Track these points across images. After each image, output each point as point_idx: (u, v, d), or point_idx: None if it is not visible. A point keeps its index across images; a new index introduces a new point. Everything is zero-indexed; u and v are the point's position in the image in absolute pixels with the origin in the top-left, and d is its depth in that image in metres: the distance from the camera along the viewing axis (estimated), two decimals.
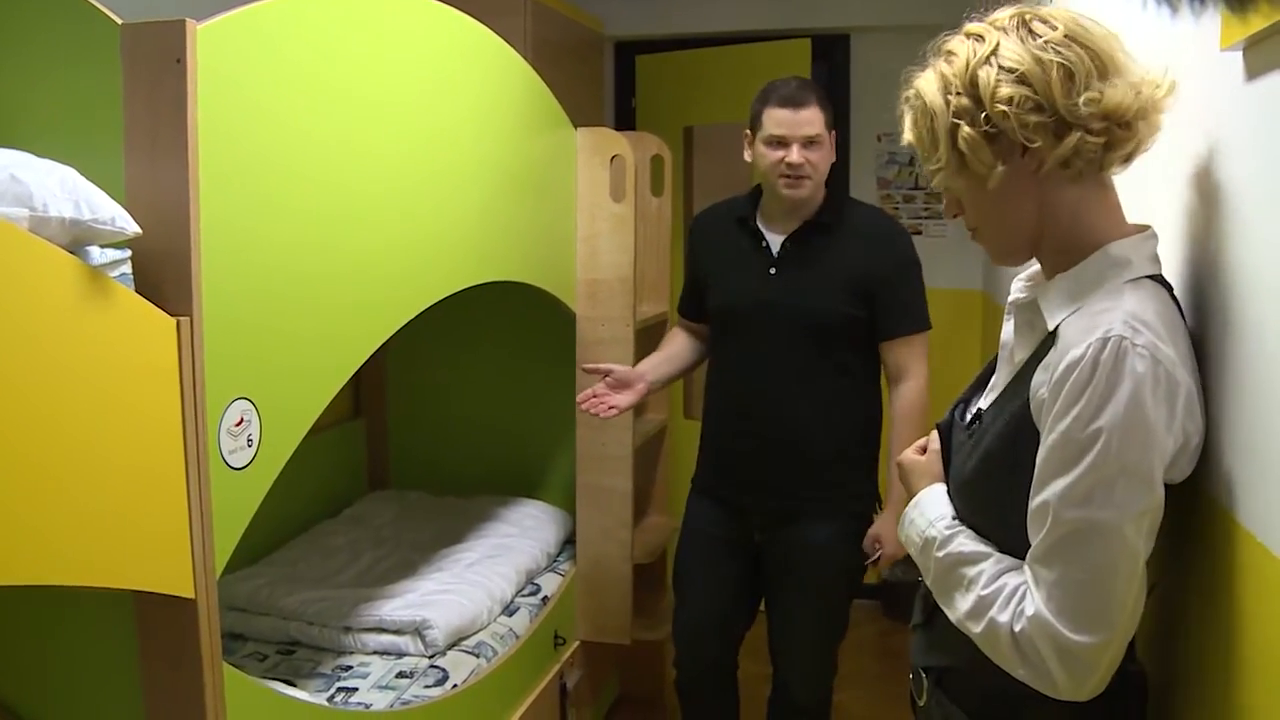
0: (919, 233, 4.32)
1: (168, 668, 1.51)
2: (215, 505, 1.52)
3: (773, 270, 2.53)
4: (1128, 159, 1.22)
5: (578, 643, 3.12)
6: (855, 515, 2.55)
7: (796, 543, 2.55)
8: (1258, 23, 1.01)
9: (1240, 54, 1.13)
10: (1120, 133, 1.18)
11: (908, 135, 1.32)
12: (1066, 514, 1.13)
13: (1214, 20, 1.15)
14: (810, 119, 2.46)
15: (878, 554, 2.51)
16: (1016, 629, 1.17)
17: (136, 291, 1.43)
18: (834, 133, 2.53)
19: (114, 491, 1.38)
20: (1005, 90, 1.18)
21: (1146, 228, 1.27)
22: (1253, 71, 1.11)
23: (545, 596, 2.97)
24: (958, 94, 1.22)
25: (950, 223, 4.31)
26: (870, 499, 2.60)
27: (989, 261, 4.11)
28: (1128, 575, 1.13)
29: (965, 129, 1.21)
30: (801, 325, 2.49)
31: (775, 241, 2.55)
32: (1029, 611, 1.16)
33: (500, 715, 2.62)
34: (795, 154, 2.45)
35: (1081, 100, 1.16)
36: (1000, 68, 1.19)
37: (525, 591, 2.95)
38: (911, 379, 2.52)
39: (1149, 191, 1.37)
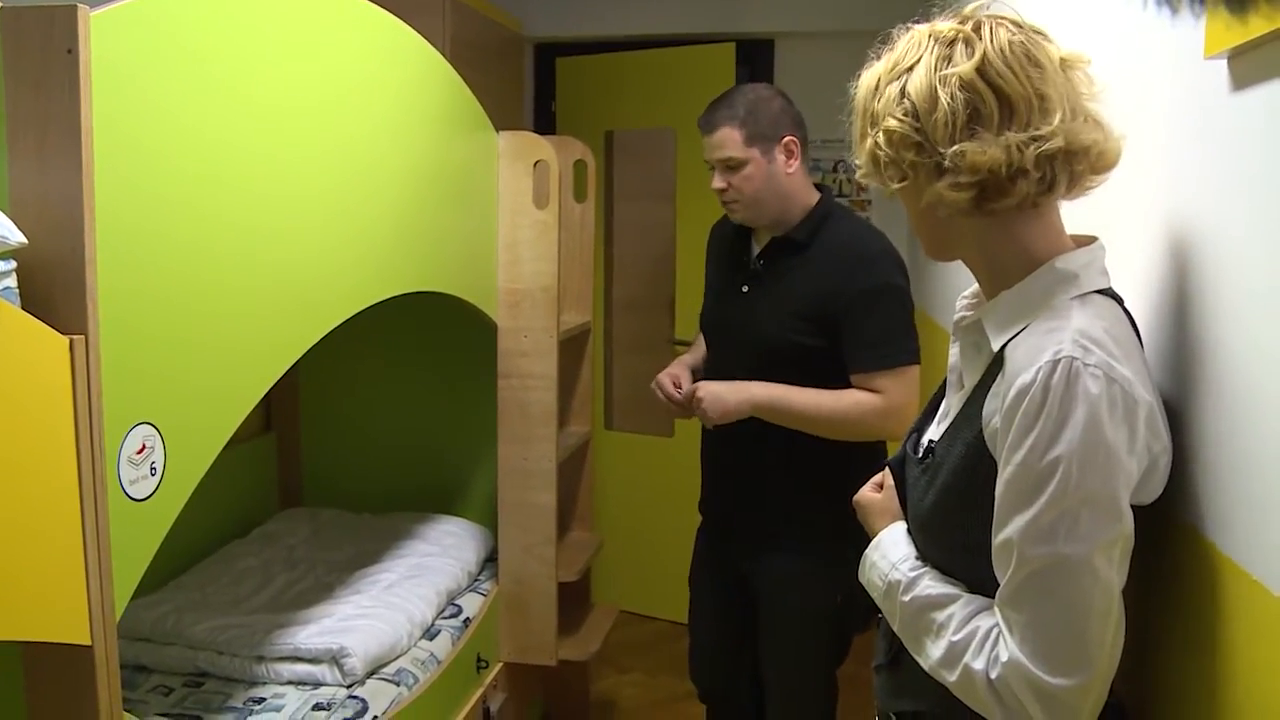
0: None
1: None
2: (115, 541, 1.38)
3: (745, 288, 2.40)
4: (1025, 205, 1.15)
5: (501, 664, 3.02)
6: (824, 554, 2.32)
7: (767, 577, 2.42)
8: (1255, 27, 0.95)
9: (1225, 62, 1.08)
10: (998, 185, 1.13)
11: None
12: (1031, 551, 1.08)
13: (1197, 26, 1.09)
14: (720, 141, 2.31)
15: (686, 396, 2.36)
16: (993, 676, 1.11)
17: (23, 308, 1.28)
18: (784, 139, 2.31)
19: None
20: (892, 121, 1.16)
21: (1094, 239, 1.22)
22: (1240, 82, 1.06)
23: (467, 618, 2.86)
24: (879, 98, 1.19)
25: None
26: (842, 539, 2.26)
27: (912, 269, 4.12)
28: (1103, 611, 1.08)
29: (869, 140, 1.19)
30: (756, 350, 2.34)
31: (755, 252, 2.43)
32: (1004, 657, 1.10)
33: None
34: (715, 179, 2.35)
35: (951, 151, 1.12)
36: (902, 91, 1.16)
37: (446, 613, 2.84)
38: (879, 398, 2.22)
39: (1118, 200, 1.31)
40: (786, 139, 2.32)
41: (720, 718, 2.72)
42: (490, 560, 3.17)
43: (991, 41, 1.13)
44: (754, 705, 2.67)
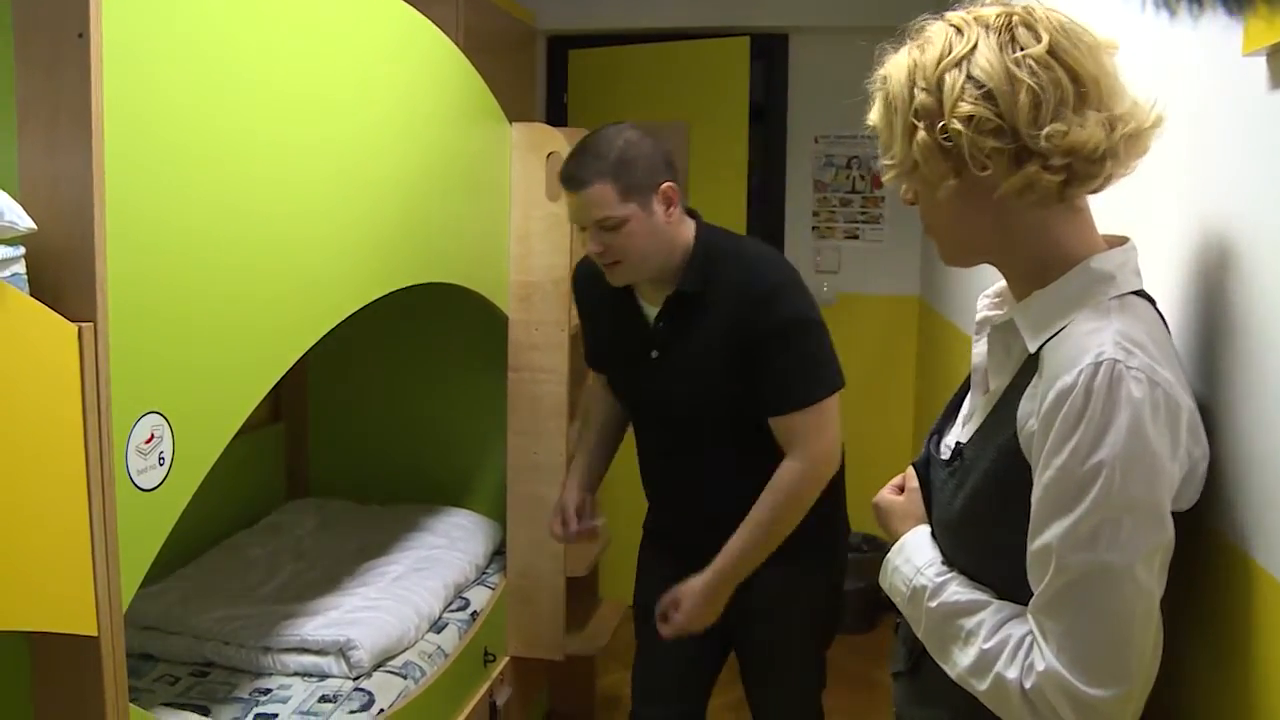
0: (855, 237, 4.28)
1: (67, 717, 1.36)
2: (122, 531, 1.37)
3: (654, 354, 2.18)
4: (1095, 191, 1.14)
5: (508, 659, 3.01)
6: (812, 562, 2.26)
7: (749, 592, 2.20)
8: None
9: (1264, 59, 1.06)
10: (1086, 168, 1.09)
11: (871, 119, 1.22)
12: (1071, 558, 1.04)
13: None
14: (593, 200, 2.02)
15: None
16: (1027, 685, 1.07)
17: (31, 295, 1.28)
18: (661, 187, 2.06)
19: (6, 519, 1.23)
20: (966, 106, 1.09)
21: (1125, 239, 1.19)
22: (1279, 79, 1.04)
23: (474, 611, 2.85)
24: (923, 90, 1.12)
25: (887, 228, 4.28)
26: (830, 543, 2.30)
27: (926, 268, 4.11)
28: (1144, 621, 1.05)
29: (921, 133, 1.12)
30: (693, 412, 2.18)
31: (652, 312, 2.19)
32: (1039, 666, 1.07)
33: None
34: (590, 243, 2.08)
35: (1044, 132, 1.07)
36: (969, 76, 1.10)
37: (453, 606, 2.83)
38: (793, 458, 2.08)
39: (1146, 199, 1.29)
40: (664, 185, 2.07)
41: None
42: (498, 554, 3.16)
43: (1050, 22, 1.10)
44: None
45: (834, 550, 2.36)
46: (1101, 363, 1.04)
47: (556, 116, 4.32)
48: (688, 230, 2.15)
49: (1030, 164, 1.09)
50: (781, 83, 4.27)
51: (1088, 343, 1.07)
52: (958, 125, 1.09)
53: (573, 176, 2.05)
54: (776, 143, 4.31)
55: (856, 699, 3.73)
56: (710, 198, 4.29)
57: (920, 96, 1.12)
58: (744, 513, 2.16)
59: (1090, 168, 1.09)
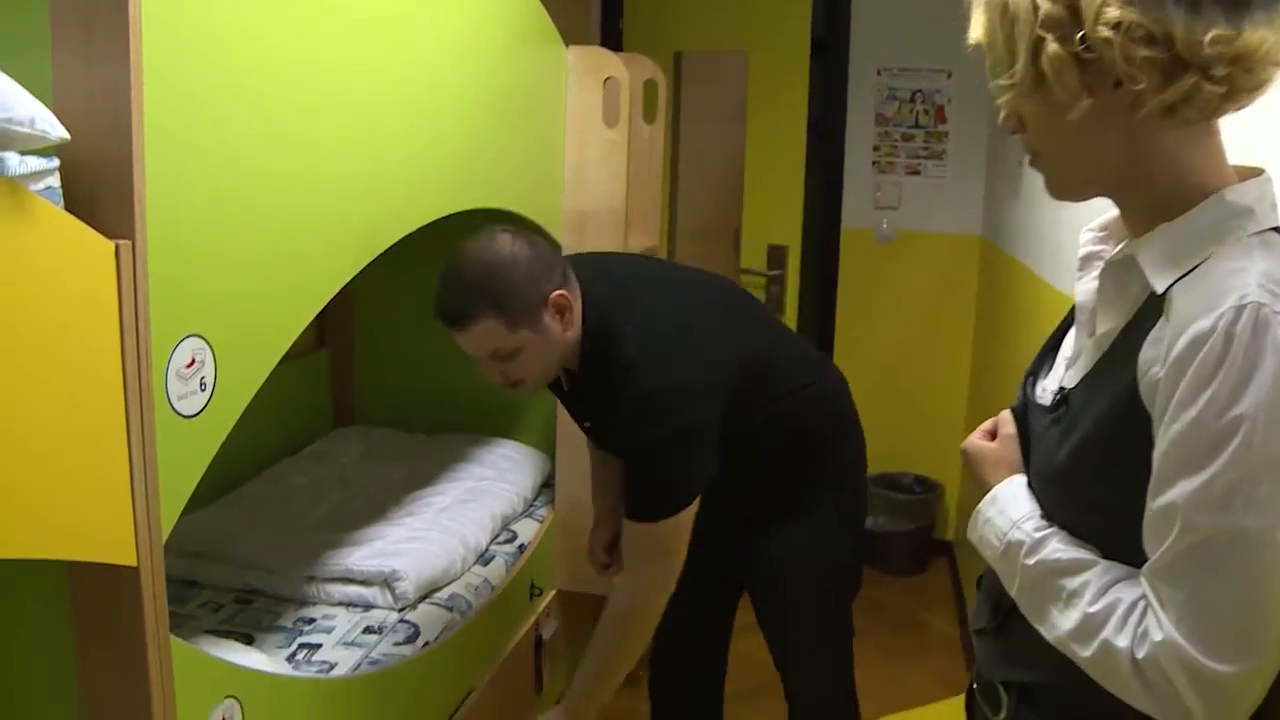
0: (917, 173, 4.14)
1: (106, 648, 1.32)
2: (162, 459, 1.32)
3: (587, 424, 2.18)
4: (1244, 106, 1.02)
5: (554, 592, 2.98)
6: (829, 515, 2.23)
7: (763, 552, 2.20)
8: None
9: None
10: (1246, 79, 0.98)
11: (976, 35, 1.09)
12: (1201, 519, 0.95)
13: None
14: (481, 338, 1.87)
15: None
16: (1140, 655, 0.99)
17: (65, 209, 1.21)
18: (550, 298, 1.89)
19: (42, 446, 1.18)
20: (1113, 11, 0.96)
21: (1260, 170, 1.07)
22: None
23: (522, 544, 2.82)
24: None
25: (950, 164, 4.14)
26: (848, 493, 2.27)
27: (989, 206, 3.97)
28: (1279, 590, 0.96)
29: (1053, 46, 1.00)
30: None
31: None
32: (1156, 636, 0.98)
33: (474, 673, 2.47)
34: (486, 372, 1.96)
35: (1209, 38, 0.95)
36: None
37: (500, 539, 2.80)
38: (627, 576, 2.04)
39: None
40: (553, 296, 1.90)
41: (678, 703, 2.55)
42: (546, 486, 3.12)
43: None
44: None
45: (852, 501, 2.30)
46: (1245, 305, 0.94)
47: (612, 42, 4.23)
48: (578, 316, 1.99)
49: (1187, 75, 0.97)
50: (844, 13, 4.13)
51: (1229, 283, 0.96)
52: (1105, 33, 0.97)
53: (452, 314, 1.87)
54: (838, 75, 4.17)
55: (905, 641, 3.69)
56: (767, 128, 4.19)
57: (1046, 6, 1.00)
58: (752, 482, 2.16)
59: (1250, 78, 0.98)
